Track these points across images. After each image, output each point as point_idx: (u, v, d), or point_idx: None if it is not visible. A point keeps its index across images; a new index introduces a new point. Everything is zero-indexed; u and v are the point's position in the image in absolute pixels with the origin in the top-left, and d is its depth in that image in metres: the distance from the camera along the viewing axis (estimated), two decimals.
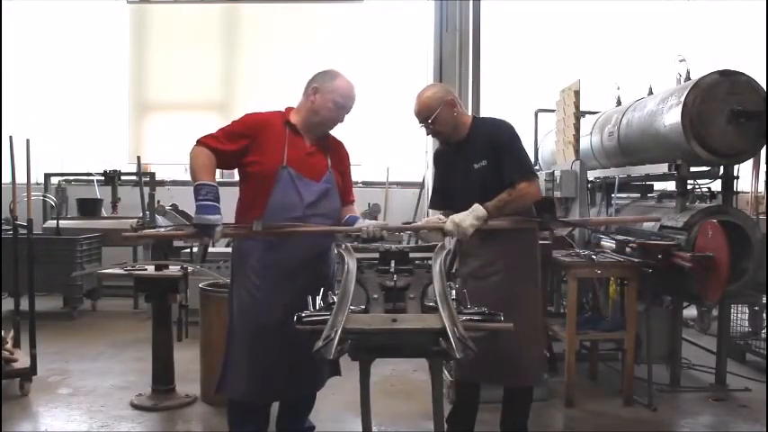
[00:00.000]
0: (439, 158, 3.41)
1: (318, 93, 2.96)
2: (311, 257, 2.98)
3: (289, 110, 3.07)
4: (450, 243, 3.04)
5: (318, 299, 2.48)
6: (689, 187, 4.46)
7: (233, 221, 2.99)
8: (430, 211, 3.67)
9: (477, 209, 2.91)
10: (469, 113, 3.42)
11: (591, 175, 5.36)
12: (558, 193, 4.91)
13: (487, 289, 3.01)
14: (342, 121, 3.06)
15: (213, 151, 2.88)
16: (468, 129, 3.18)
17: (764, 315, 5.29)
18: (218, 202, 2.78)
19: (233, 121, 3.00)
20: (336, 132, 3.17)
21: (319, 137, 3.05)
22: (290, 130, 2.98)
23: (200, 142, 2.90)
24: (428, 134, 3.25)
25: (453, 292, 2.43)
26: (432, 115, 3.10)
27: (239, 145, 2.91)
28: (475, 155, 3.12)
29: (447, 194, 3.32)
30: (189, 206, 2.94)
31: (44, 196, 7.29)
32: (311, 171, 2.98)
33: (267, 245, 2.92)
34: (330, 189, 3.02)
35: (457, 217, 2.92)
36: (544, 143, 6.77)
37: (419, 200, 7.83)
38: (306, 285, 2.82)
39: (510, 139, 3.11)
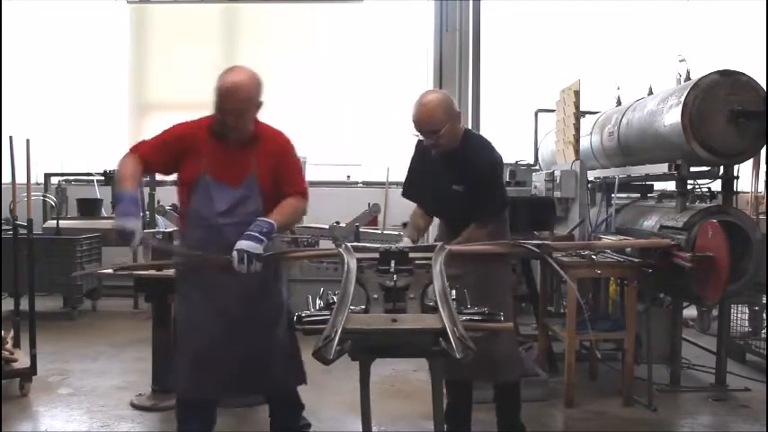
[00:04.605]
0: (423, 154, 3.29)
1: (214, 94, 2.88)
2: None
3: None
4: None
5: (318, 299, 2.48)
6: (689, 187, 4.46)
7: None
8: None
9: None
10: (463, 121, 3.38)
11: (591, 175, 5.36)
12: (558, 193, 4.91)
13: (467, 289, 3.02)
14: (233, 123, 2.86)
15: (144, 160, 2.91)
16: (460, 142, 3.13)
17: (764, 315, 5.28)
18: (141, 210, 2.85)
19: (164, 131, 3.00)
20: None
21: (245, 136, 2.92)
22: (213, 135, 2.93)
23: (132, 150, 2.94)
24: (427, 143, 3.13)
25: (453, 292, 2.43)
26: (441, 129, 3.01)
27: (166, 156, 2.95)
28: (455, 177, 3.10)
29: (419, 190, 3.35)
30: None
31: (44, 196, 7.29)
32: (231, 176, 2.89)
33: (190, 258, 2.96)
34: (248, 195, 2.91)
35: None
36: (544, 143, 6.77)
37: None
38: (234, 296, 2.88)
39: (490, 172, 3.12)
